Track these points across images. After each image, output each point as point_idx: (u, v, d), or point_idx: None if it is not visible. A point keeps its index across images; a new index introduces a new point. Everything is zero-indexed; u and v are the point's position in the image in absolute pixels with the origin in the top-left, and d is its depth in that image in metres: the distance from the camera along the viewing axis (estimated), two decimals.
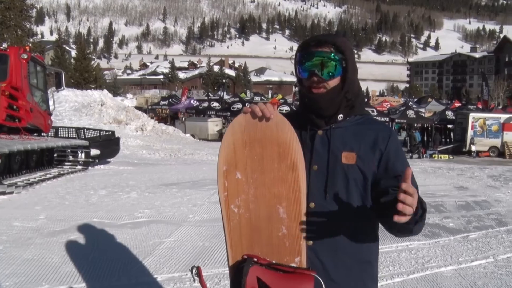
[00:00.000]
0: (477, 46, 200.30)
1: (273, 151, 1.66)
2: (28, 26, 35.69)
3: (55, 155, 12.86)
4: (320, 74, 1.69)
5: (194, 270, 1.73)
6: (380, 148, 1.71)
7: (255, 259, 1.63)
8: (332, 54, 1.69)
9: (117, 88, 72.87)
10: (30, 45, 27.92)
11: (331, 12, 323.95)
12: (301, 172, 1.66)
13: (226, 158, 1.69)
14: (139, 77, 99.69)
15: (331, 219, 1.68)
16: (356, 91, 1.77)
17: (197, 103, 39.25)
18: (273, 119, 1.65)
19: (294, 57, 1.80)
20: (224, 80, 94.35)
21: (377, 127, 1.77)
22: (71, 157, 13.07)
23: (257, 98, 49.94)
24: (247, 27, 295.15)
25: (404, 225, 1.48)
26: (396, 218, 1.41)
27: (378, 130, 1.75)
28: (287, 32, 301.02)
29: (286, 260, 1.67)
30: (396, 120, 28.41)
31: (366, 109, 1.89)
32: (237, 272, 1.63)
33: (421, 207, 1.53)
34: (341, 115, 1.73)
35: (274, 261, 1.66)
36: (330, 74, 1.70)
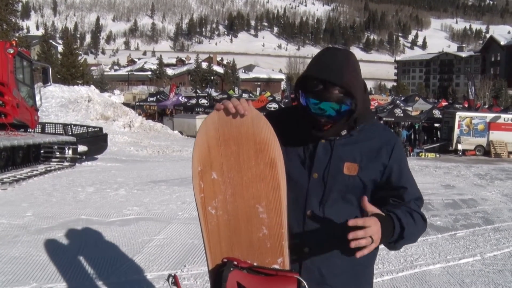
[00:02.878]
0: (464, 45, 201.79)
1: (250, 148, 1.60)
2: (13, 20, 35.26)
3: (42, 151, 12.73)
4: (326, 116, 1.59)
5: (170, 279, 1.67)
6: (383, 159, 1.67)
7: (235, 263, 1.57)
8: (340, 102, 1.57)
9: (104, 84, 72.20)
10: (16, 39, 27.56)
11: (319, 10, 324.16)
12: (280, 169, 1.59)
13: (200, 158, 1.62)
14: (127, 73, 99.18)
15: (328, 228, 1.64)
16: (362, 112, 1.65)
17: (185, 100, 39.13)
18: (248, 115, 1.57)
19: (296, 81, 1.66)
20: (212, 77, 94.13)
21: (381, 136, 1.71)
22: (58, 153, 12.95)
23: (245, 95, 49.86)
24: (235, 24, 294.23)
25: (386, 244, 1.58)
26: (358, 255, 1.45)
27: (382, 140, 1.70)
28: (275, 29, 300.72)
29: (268, 262, 1.61)
30: (384, 119, 28.58)
31: None
32: (217, 277, 1.58)
33: (400, 225, 1.53)
34: (345, 131, 1.67)
35: (255, 264, 1.60)
36: (336, 117, 1.59)
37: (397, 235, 1.53)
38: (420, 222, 1.63)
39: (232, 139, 1.60)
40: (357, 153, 1.67)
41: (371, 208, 1.49)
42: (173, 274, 1.68)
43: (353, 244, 1.42)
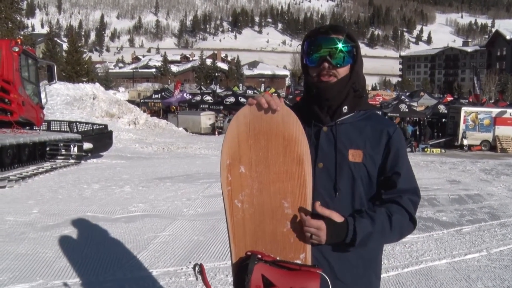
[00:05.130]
0: (469, 40, 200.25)
1: (279, 144, 1.62)
2: (18, 18, 35.32)
3: (48, 149, 12.78)
4: (332, 60, 1.65)
5: (197, 268, 1.66)
6: (384, 145, 1.69)
7: (260, 256, 1.59)
8: (344, 42, 1.66)
9: (109, 81, 72.42)
10: (21, 37, 27.64)
11: (323, 5, 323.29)
12: (307, 166, 1.61)
13: (229, 151, 1.64)
14: (131, 70, 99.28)
15: None
16: (362, 84, 1.75)
17: (190, 97, 39.16)
18: (279, 111, 1.60)
19: (300, 45, 1.76)
20: (216, 74, 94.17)
21: (382, 123, 1.73)
22: (63, 151, 13.01)
23: (249, 92, 49.82)
24: (239, 20, 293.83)
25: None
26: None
27: (383, 127, 1.72)
28: (279, 25, 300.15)
29: (291, 257, 1.63)
30: (389, 114, 28.47)
31: None
32: (241, 269, 1.59)
33: (354, 233, 1.57)
34: (346, 107, 1.69)
35: (278, 258, 1.62)
36: (341, 62, 1.66)
37: (349, 240, 1.58)
38: (401, 224, 1.65)
39: (262, 134, 1.63)
40: (360, 140, 1.69)
41: (322, 211, 1.57)
42: (199, 263, 1.68)
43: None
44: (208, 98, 37.32)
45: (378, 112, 1.85)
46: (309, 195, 1.62)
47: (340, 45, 1.65)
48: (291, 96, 39.48)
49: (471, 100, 35.36)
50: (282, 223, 1.64)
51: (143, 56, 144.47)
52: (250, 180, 1.64)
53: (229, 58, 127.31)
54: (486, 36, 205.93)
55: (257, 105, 1.61)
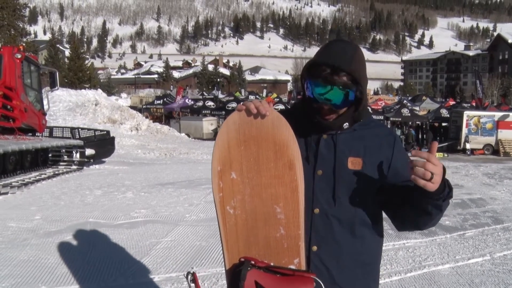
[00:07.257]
0: (471, 44, 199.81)
1: (269, 149, 1.61)
2: (21, 25, 35.51)
3: (50, 155, 12.80)
4: (332, 105, 1.62)
5: (189, 277, 1.66)
6: (387, 154, 1.68)
7: (253, 262, 1.58)
8: (347, 87, 1.60)
9: (111, 87, 72.53)
10: (24, 44, 27.75)
11: (325, 10, 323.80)
12: (298, 170, 1.60)
13: (220, 158, 1.63)
14: (133, 76, 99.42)
15: (336, 225, 1.66)
16: (365, 107, 1.71)
17: (192, 102, 39.19)
18: (269, 116, 1.59)
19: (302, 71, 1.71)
20: (218, 79, 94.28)
21: (381, 131, 1.73)
22: (66, 157, 13.02)
23: (251, 97, 49.83)
24: (241, 26, 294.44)
25: (429, 203, 1.51)
26: (422, 183, 1.43)
27: (383, 135, 1.72)
28: (281, 30, 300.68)
29: (285, 262, 1.62)
30: (391, 119, 28.47)
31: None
32: (235, 276, 1.58)
33: (448, 185, 1.52)
34: (347, 124, 1.68)
35: (272, 263, 1.61)
36: (340, 102, 1.62)
37: (447, 192, 1.51)
38: None
39: (252, 139, 1.62)
40: (360, 147, 1.68)
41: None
42: (192, 272, 1.67)
43: (413, 169, 1.44)
44: (210, 103, 37.36)
45: (376, 120, 1.84)
46: (301, 199, 1.61)
47: (341, 91, 1.60)
48: (293, 101, 39.53)
49: (473, 104, 35.33)
50: (275, 228, 1.63)
51: (145, 62, 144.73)
52: (242, 186, 1.63)
53: (231, 64, 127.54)
54: (488, 40, 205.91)
55: (246, 111, 1.60)
